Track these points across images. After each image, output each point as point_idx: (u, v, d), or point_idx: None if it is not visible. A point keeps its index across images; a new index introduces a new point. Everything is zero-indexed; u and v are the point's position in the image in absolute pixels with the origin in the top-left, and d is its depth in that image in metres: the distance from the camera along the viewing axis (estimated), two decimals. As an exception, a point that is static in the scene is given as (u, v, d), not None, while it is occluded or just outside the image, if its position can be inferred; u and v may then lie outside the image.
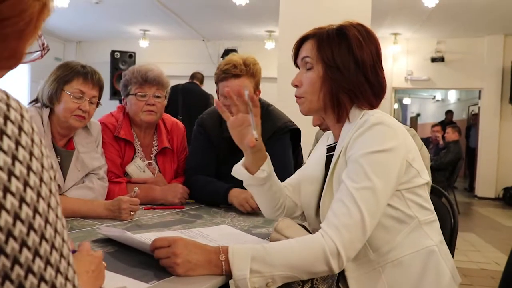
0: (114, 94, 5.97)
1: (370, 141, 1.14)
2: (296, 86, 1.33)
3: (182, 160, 2.37)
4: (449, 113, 11.38)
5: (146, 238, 1.31)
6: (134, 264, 1.15)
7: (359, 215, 1.08)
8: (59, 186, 1.83)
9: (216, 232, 1.54)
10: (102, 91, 1.95)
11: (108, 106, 2.38)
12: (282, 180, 2.07)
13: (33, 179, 0.55)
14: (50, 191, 0.58)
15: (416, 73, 9.03)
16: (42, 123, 1.83)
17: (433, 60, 8.80)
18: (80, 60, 2.02)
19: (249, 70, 2.15)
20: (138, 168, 2.19)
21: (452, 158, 6.90)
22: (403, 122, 15.97)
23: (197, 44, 9.76)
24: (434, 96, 14.82)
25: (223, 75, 2.14)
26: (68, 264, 0.58)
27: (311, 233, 1.24)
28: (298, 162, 2.39)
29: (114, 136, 2.17)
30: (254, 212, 1.96)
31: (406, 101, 15.55)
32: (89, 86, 1.87)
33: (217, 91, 2.23)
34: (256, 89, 2.22)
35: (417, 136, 2.14)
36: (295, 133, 2.34)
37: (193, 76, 6.46)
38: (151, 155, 2.28)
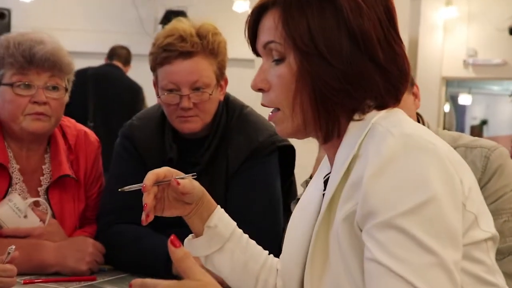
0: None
1: (402, 186, 1.15)
2: (260, 90, 1.37)
3: (94, 197, 2.40)
4: None
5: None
6: None
7: None
8: None
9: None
10: None
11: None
12: (266, 229, 2.01)
13: None
14: None
15: (482, 53, 9.16)
16: None
17: (513, 31, 8.93)
18: None
19: (207, 44, 2.20)
20: (14, 210, 2.18)
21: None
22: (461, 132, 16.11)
23: (119, 2, 9.84)
24: (513, 92, 15.03)
25: (164, 55, 2.19)
26: None
27: None
28: (290, 199, 2.44)
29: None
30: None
31: (464, 99, 15.69)
32: None
33: (155, 83, 2.29)
34: (221, 78, 2.27)
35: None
36: (286, 152, 2.38)
37: (112, 53, 6.53)
38: (40, 189, 2.30)
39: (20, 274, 1.86)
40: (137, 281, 1.23)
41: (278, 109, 1.36)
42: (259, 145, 2.26)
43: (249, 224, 2.02)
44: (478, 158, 2.15)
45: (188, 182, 1.52)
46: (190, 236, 1.64)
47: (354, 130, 1.31)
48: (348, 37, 1.27)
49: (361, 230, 1.20)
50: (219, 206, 1.62)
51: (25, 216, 2.18)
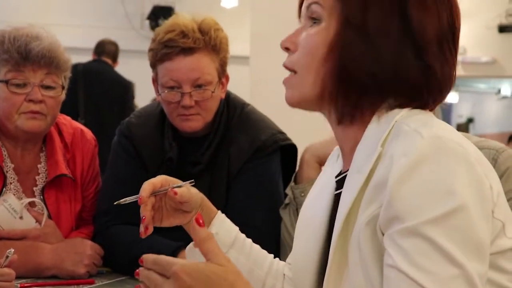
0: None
1: (431, 191, 1.13)
2: (287, 49, 1.36)
3: (90, 197, 2.40)
4: None
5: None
6: None
7: None
8: None
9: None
10: None
11: None
12: (268, 230, 2.00)
13: None
14: None
15: (472, 50, 9.19)
16: None
17: (503, 29, 8.96)
18: None
19: (209, 40, 2.19)
20: (10, 211, 2.16)
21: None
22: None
23: None
24: (499, 90, 15.12)
25: (164, 51, 2.17)
26: None
27: None
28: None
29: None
30: None
31: (451, 97, 15.75)
32: None
33: (155, 80, 2.28)
34: (222, 75, 2.27)
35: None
36: (288, 151, 2.37)
37: (101, 49, 6.53)
38: (35, 189, 2.29)
39: (16, 277, 1.84)
40: (149, 257, 1.21)
41: (295, 72, 1.35)
42: (261, 144, 2.26)
43: (251, 226, 2.02)
44: None
45: (186, 190, 1.50)
46: (191, 244, 1.60)
47: (375, 127, 1.28)
48: (403, 25, 1.25)
49: (383, 234, 1.17)
50: (219, 211, 1.61)
51: (21, 217, 2.17)
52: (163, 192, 1.49)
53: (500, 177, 2.11)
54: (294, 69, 1.34)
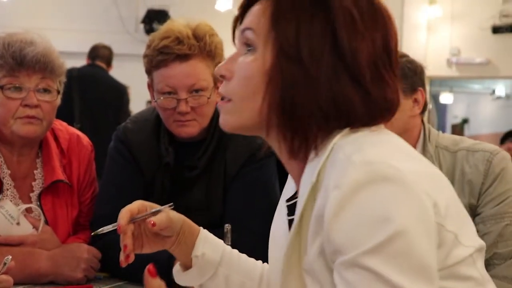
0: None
1: (365, 222, 1.12)
2: (222, 77, 1.35)
3: (87, 203, 2.39)
4: None
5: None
6: None
7: None
8: None
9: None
10: None
11: None
12: (266, 234, 2.03)
13: None
14: None
15: (466, 52, 9.20)
16: None
17: (496, 30, 8.98)
18: None
19: (204, 46, 2.19)
20: (7, 217, 2.15)
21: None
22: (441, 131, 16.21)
23: (100, 1, 9.85)
24: (494, 90, 15.16)
25: (160, 58, 2.17)
26: None
27: None
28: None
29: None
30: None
31: (446, 98, 15.80)
32: None
33: (150, 85, 2.28)
34: (218, 80, 2.20)
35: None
36: None
37: (95, 53, 6.50)
38: (32, 195, 2.28)
39: (13, 284, 1.84)
40: None
41: (228, 101, 1.33)
42: (257, 147, 2.23)
43: (248, 229, 2.01)
44: (480, 161, 2.17)
45: (164, 217, 1.46)
46: (178, 267, 1.60)
47: (315, 154, 1.26)
48: (334, 50, 1.23)
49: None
50: (201, 228, 1.56)
51: (18, 223, 2.16)
52: (142, 218, 1.45)
53: (495, 178, 2.16)
54: (230, 97, 1.32)
